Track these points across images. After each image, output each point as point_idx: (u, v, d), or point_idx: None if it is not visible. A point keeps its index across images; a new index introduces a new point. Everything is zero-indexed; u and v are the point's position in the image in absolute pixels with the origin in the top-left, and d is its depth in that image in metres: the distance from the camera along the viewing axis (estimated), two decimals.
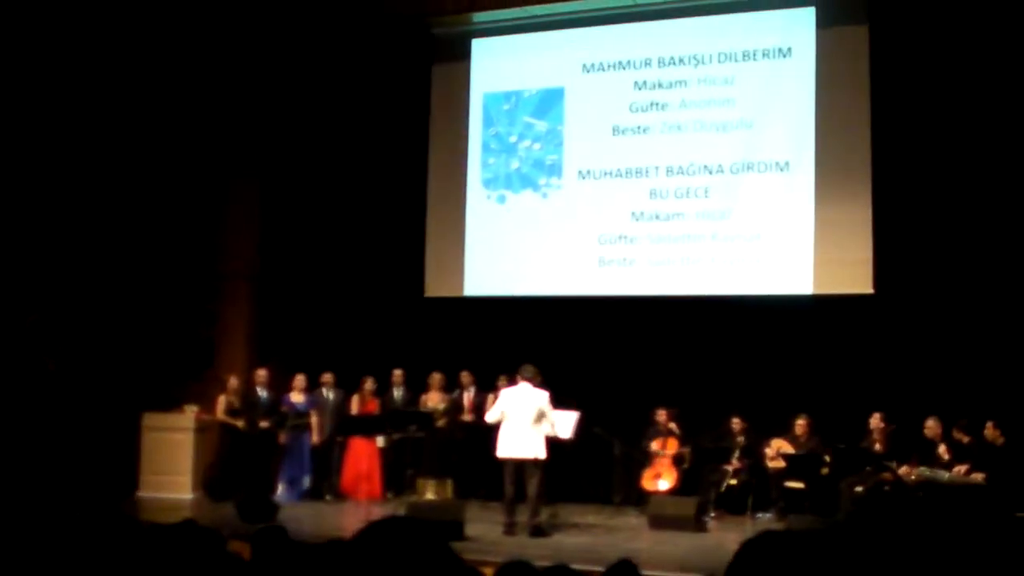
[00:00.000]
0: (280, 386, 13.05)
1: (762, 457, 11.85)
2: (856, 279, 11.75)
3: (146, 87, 13.18)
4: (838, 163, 11.97)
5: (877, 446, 10.98)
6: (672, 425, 12.43)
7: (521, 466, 10.32)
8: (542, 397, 10.33)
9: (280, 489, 12.72)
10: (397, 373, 13.30)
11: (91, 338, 12.91)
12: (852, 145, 11.88)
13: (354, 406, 12.99)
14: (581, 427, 11.28)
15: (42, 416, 11.82)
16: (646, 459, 12.37)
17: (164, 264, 13.71)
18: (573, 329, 13.24)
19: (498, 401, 10.74)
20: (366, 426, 12.62)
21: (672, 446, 12.31)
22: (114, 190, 13.22)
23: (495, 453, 10.41)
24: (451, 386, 13.20)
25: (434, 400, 13.02)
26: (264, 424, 12.75)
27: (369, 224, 14.12)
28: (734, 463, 11.86)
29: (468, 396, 13.19)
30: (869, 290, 11.69)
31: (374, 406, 12.98)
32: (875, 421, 11.16)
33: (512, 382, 10.87)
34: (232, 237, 13.99)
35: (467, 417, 12.98)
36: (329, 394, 13.14)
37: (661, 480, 12.17)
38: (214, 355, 13.77)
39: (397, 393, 13.28)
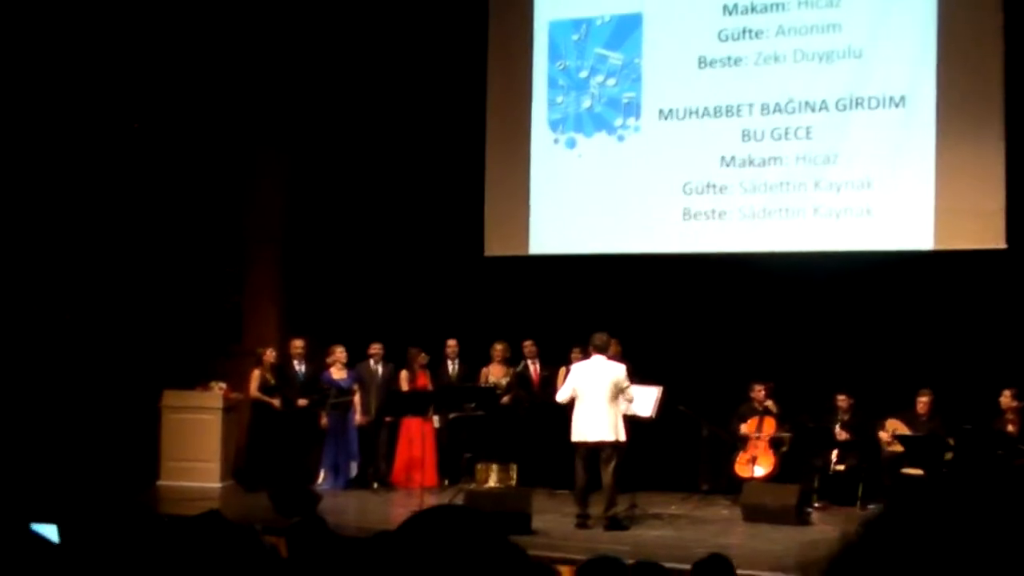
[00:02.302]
0: (318, 360, 13.19)
1: (874, 439, 11.82)
2: (985, 232, 11.59)
3: (170, 39, 13.42)
4: (964, 97, 11.78)
5: (1010, 427, 10.91)
6: (768, 403, 12.44)
7: (596, 450, 10.37)
8: (618, 371, 10.37)
9: (321, 477, 12.90)
10: (452, 344, 13.41)
11: (107, 305, 13.21)
12: (981, 76, 11.68)
13: (403, 382, 13.13)
14: (663, 405, 11.34)
15: (51, 391, 12.09)
16: (738, 441, 12.41)
17: (183, 225, 13.89)
18: (654, 292, 13.27)
19: (569, 377, 10.78)
20: (418, 404, 12.68)
21: (769, 427, 12.32)
22: (130, 143, 13.51)
23: (567, 435, 10.48)
24: (515, 358, 13.29)
25: (495, 374, 13.13)
26: (302, 403, 12.89)
27: (418, 174, 14.19)
28: (840, 445, 11.92)
29: (534, 369, 13.33)
30: (1001, 245, 11.51)
31: (426, 381, 13.15)
32: (1007, 399, 11.07)
33: (585, 355, 10.89)
34: (258, 192, 14.13)
35: (533, 393, 13.12)
36: (376, 368, 13.26)
37: (756, 465, 12.18)
38: (242, 326, 13.99)
39: (453, 366, 13.42)
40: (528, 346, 13.28)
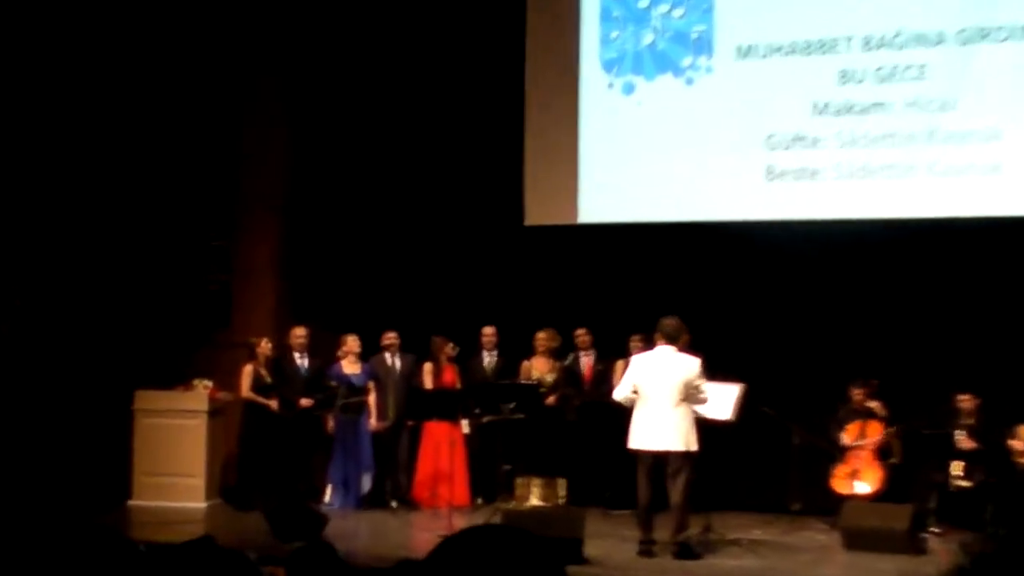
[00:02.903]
0: (326, 352, 13.17)
1: (1006, 449, 11.67)
2: None
3: None
4: None
5: None
6: (873, 404, 12.36)
7: (662, 461, 10.28)
8: (690, 365, 10.32)
9: (328, 493, 12.89)
10: (488, 332, 13.42)
11: (66, 286, 13.23)
12: None
13: (427, 378, 13.11)
14: (745, 406, 11.17)
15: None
16: (837, 451, 12.33)
17: (158, 187, 13.88)
18: (731, 269, 13.28)
19: (629, 371, 10.70)
20: (444, 405, 12.62)
21: (874, 433, 12.24)
22: (94, 85, 13.50)
23: (626, 443, 10.40)
24: (563, 350, 13.25)
25: (539, 369, 13.09)
26: (305, 403, 12.88)
27: (445, 128, 14.19)
28: (963, 456, 11.78)
29: (586, 362, 13.28)
30: None
31: (455, 377, 13.11)
32: None
33: (648, 344, 10.87)
34: (253, 147, 14.06)
35: (584, 391, 13.06)
36: (394, 361, 13.28)
37: (859, 480, 12.12)
38: (231, 311, 14.01)
39: (488, 359, 13.43)
40: (581, 335, 13.26)
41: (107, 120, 13.55)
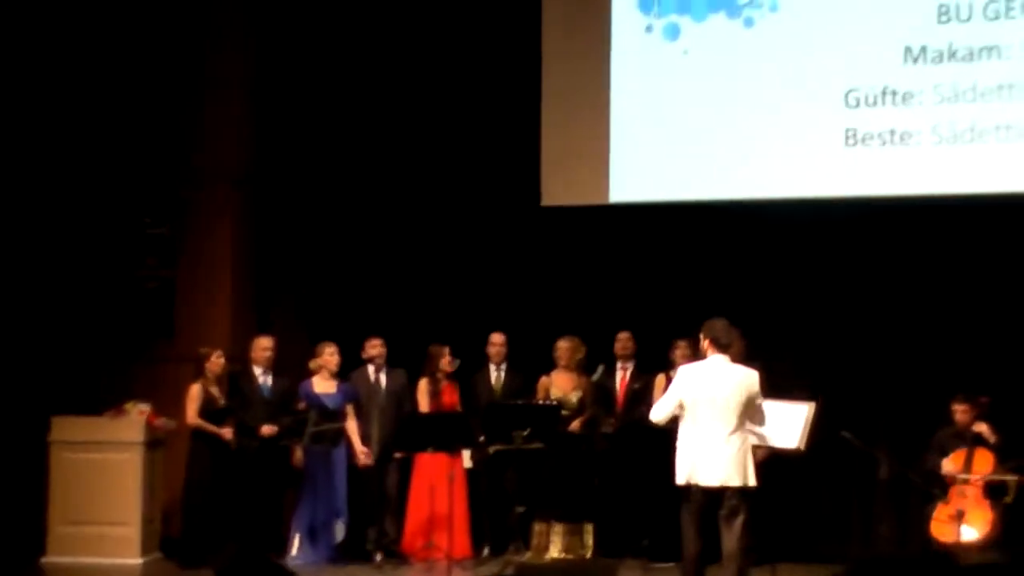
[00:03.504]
0: (295, 368, 12.97)
1: None
2: None
3: None
4: None
5: None
6: (982, 427, 11.99)
7: (715, 500, 9.98)
8: (749, 380, 10.05)
9: (296, 544, 12.62)
10: (496, 340, 13.22)
11: None
12: None
13: (422, 398, 12.88)
14: (817, 429, 10.91)
15: None
16: (937, 487, 11.91)
17: (85, 157, 13.74)
18: (800, 258, 13.20)
19: (673, 384, 10.39)
20: (443, 432, 12.24)
21: (983, 464, 11.86)
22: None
23: (670, 479, 10.13)
24: (590, 362, 12.85)
25: (561, 386, 12.73)
26: (268, 432, 12.63)
27: (441, 87, 14.14)
28: None
29: (622, 376, 13.03)
30: None
31: (455, 398, 12.92)
32: None
33: (694, 353, 10.69)
34: (206, 106, 13.92)
35: (617, 414, 12.90)
36: (379, 377, 13.02)
37: (965, 524, 11.65)
38: (174, 315, 13.85)
39: (496, 375, 13.23)
40: (622, 340, 13.07)
41: (10, 64, 13.59)
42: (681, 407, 10.03)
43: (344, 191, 14.25)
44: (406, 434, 12.40)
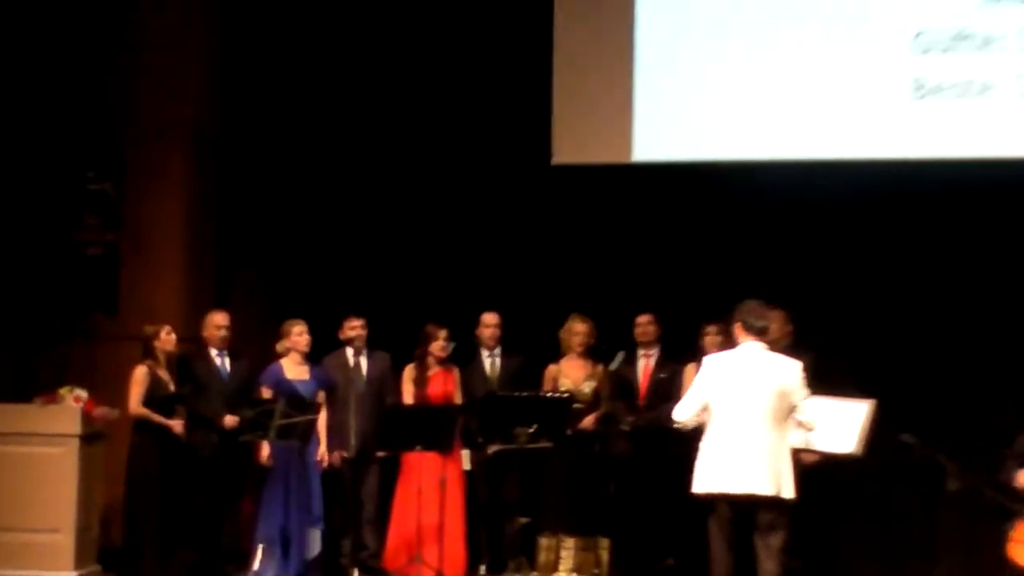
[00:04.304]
0: (258, 349, 12.50)
1: None
2: None
3: None
4: None
5: None
6: None
7: (748, 513, 9.30)
8: (790, 371, 9.33)
9: (258, 558, 11.76)
10: (489, 321, 12.46)
11: None
12: None
13: (406, 385, 12.21)
14: (875, 432, 10.28)
15: None
16: (1014, 502, 10.83)
17: (10, 100, 13.34)
18: (857, 230, 12.75)
19: (697, 379, 9.70)
20: (433, 428, 11.56)
21: None
22: None
23: (693, 486, 9.46)
24: (606, 348, 12.10)
25: (572, 376, 12.08)
26: (229, 423, 11.83)
27: (431, 27, 13.71)
28: None
29: (644, 364, 12.24)
30: None
31: (449, 386, 12.24)
32: None
33: (726, 340, 10.07)
34: (152, 43, 13.49)
35: (639, 409, 12.16)
36: (359, 362, 12.32)
37: None
38: (118, 286, 13.35)
39: (490, 360, 12.48)
40: (643, 324, 12.23)
41: None
42: (706, 408, 9.39)
43: (317, 152, 13.93)
44: (390, 430, 11.68)
